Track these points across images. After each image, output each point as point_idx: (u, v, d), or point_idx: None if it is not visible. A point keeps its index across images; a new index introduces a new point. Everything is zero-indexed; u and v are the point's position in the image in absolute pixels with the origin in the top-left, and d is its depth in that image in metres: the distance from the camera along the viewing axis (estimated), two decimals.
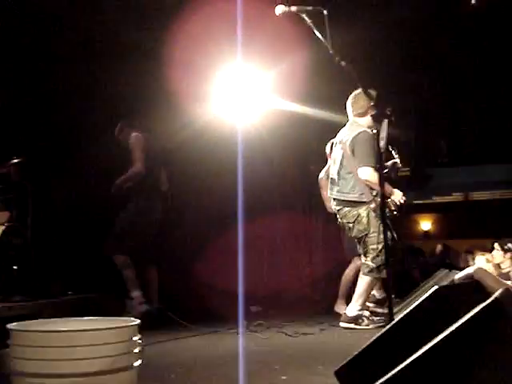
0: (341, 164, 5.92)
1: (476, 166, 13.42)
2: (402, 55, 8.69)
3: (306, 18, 3.90)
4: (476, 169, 13.53)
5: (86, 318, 2.76)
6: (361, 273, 5.85)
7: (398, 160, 6.35)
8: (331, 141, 7.12)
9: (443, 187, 13.70)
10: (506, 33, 8.53)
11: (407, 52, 8.61)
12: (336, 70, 3.83)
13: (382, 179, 4.13)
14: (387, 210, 5.73)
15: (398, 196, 5.82)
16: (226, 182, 7.16)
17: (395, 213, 5.83)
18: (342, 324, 5.85)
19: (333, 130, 7.06)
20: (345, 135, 5.96)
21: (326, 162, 7.32)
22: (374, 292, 6.16)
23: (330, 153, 6.88)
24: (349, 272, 6.81)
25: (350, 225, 5.85)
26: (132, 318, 2.54)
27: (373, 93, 4.47)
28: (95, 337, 2.27)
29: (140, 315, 5.35)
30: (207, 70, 6.74)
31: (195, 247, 8.00)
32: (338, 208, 5.96)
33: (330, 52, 3.84)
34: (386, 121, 5.85)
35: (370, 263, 5.70)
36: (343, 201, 5.88)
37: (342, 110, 6.30)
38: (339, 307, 6.71)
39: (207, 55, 6.64)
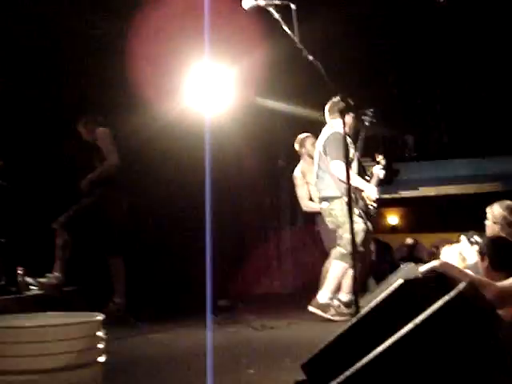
0: (318, 166, 6.32)
1: (442, 160, 13.55)
2: (368, 50, 8.72)
3: (274, 12, 3.89)
4: (442, 163, 13.66)
5: (49, 313, 2.71)
6: (333, 258, 6.08)
7: (382, 167, 6.59)
8: (299, 137, 7.18)
9: (410, 182, 13.81)
10: (472, 28, 8.61)
11: (373, 47, 8.65)
12: (303, 64, 3.83)
13: (348, 173, 4.27)
14: (361, 202, 6.20)
15: (372, 192, 6.25)
16: (194, 175, 7.12)
17: (372, 207, 6.29)
18: (310, 308, 5.98)
19: (301, 124, 7.07)
20: (320, 141, 6.35)
21: (294, 156, 7.35)
22: (339, 296, 6.22)
23: (300, 149, 7.04)
24: (328, 265, 6.85)
25: (328, 219, 6.22)
26: (96, 313, 2.50)
27: (350, 102, 4.58)
28: (58, 332, 2.22)
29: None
30: (174, 63, 6.68)
31: (163, 240, 7.96)
32: (320, 206, 6.38)
33: (298, 46, 3.84)
34: (364, 129, 6.53)
35: (342, 250, 5.93)
36: (322, 198, 6.29)
37: (311, 104, 6.39)
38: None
39: (173, 48, 6.58)
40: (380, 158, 6.77)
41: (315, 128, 6.63)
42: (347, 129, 5.84)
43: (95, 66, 6.77)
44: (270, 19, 3.89)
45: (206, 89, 6.79)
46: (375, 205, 6.35)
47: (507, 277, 2.31)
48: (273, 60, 7.00)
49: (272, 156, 9.78)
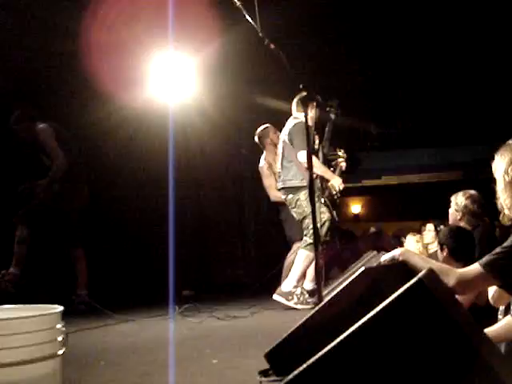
0: (283, 155, 6.31)
1: (405, 149, 13.68)
2: (330, 38, 8.73)
3: (236, 1, 3.86)
4: (405, 153, 13.79)
5: (6, 306, 2.66)
6: (299, 247, 6.13)
7: (343, 160, 6.62)
8: (259, 129, 7.17)
9: (373, 171, 13.92)
10: (434, 13, 8.67)
11: (336, 35, 8.66)
12: (266, 53, 3.81)
13: (311, 162, 4.22)
14: (327, 191, 6.23)
15: (337, 181, 6.25)
16: (158, 164, 7.08)
17: (336, 197, 6.28)
18: (274, 296, 6.02)
19: (264, 112, 7.05)
20: (284, 131, 6.37)
21: (257, 145, 7.34)
22: (304, 284, 6.26)
23: (262, 140, 7.05)
24: (291, 256, 6.88)
25: (294, 209, 6.22)
26: (55, 305, 2.46)
27: (317, 97, 4.63)
28: (15, 325, 2.17)
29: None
30: (136, 52, 6.58)
31: (127, 231, 7.91)
32: (284, 196, 6.34)
33: (260, 35, 3.82)
34: (330, 121, 6.50)
35: (308, 239, 5.96)
36: (287, 188, 6.25)
37: (273, 92, 6.39)
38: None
39: (136, 37, 6.48)
40: (341, 152, 6.81)
41: (277, 117, 6.63)
42: (311, 122, 5.98)
43: (49, 55, 6.60)
44: (233, 7, 3.85)
45: (169, 78, 6.75)
46: (339, 194, 6.39)
47: (465, 266, 2.33)
48: (235, 49, 6.97)
49: (235, 145, 9.76)
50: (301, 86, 3.98)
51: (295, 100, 6.32)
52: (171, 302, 5.42)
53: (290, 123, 6.31)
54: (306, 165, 5.82)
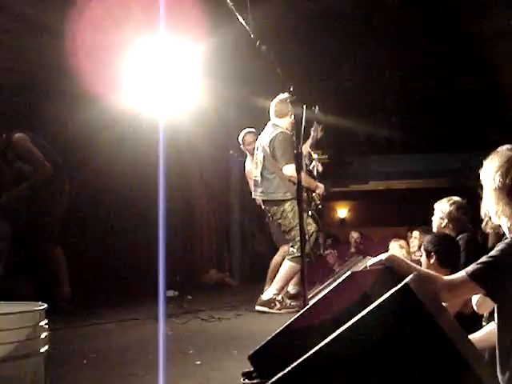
0: (263, 166, 6.18)
1: (393, 155, 13.73)
2: (320, 42, 8.74)
3: (228, 1, 3.85)
4: (393, 158, 13.84)
5: None
6: (286, 258, 6.09)
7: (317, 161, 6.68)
8: (244, 132, 7.16)
9: (360, 175, 13.95)
10: (426, 22, 8.71)
11: (327, 38, 8.68)
12: (257, 53, 3.80)
13: (300, 174, 4.26)
14: (313, 203, 6.23)
15: (321, 189, 6.29)
16: (147, 163, 7.03)
17: (320, 206, 6.31)
18: (256, 307, 5.99)
19: (252, 113, 7.02)
20: (264, 138, 6.21)
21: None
22: (288, 288, 6.27)
23: (245, 147, 7.05)
24: (277, 258, 6.89)
25: (279, 221, 6.16)
26: (39, 303, 2.44)
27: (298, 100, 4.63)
28: None
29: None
30: (124, 53, 6.54)
31: (113, 231, 7.87)
32: (267, 208, 6.29)
33: (251, 36, 3.82)
34: (315, 124, 6.69)
35: (295, 251, 5.92)
36: (270, 201, 6.18)
37: (263, 91, 6.38)
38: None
39: (124, 38, 6.43)
40: (315, 156, 6.87)
41: (266, 116, 6.60)
42: (290, 127, 5.99)
43: (31, 53, 6.53)
44: (223, 7, 3.84)
45: (158, 77, 6.72)
46: (322, 204, 6.42)
47: (452, 272, 2.34)
48: (226, 48, 6.96)
49: (223, 145, 9.76)
50: (285, 95, 3.97)
51: (274, 104, 6.19)
52: (161, 304, 5.40)
53: (269, 131, 6.18)
54: (291, 178, 5.86)
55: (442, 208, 4.67)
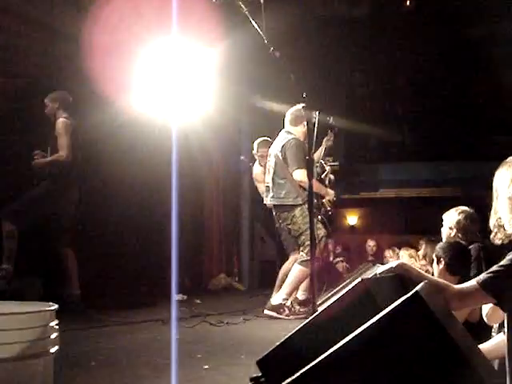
0: (274, 171, 6.24)
1: (404, 163, 13.69)
2: (333, 50, 8.77)
3: (243, 6, 3.87)
4: (404, 166, 13.79)
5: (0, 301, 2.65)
6: (296, 262, 6.11)
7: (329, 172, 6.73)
8: (259, 139, 7.20)
9: (371, 183, 13.91)
10: (437, 32, 8.71)
11: (339, 46, 8.70)
12: (270, 58, 3.81)
13: (311, 180, 4.32)
14: (323, 209, 6.29)
15: (331, 195, 6.37)
16: (160, 167, 7.06)
17: (330, 213, 6.37)
18: (265, 311, 6.00)
19: (264, 118, 7.01)
20: (277, 145, 6.28)
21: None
22: (298, 294, 6.26)
23: (257, 152, 7.09)
24: (287, 265, 6.88)
25: (289, 226, 6.19)
26: (49, 303, 2.44)
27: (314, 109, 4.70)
28: (9, 321, 2.16)
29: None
30: (136, 55, 6.56)
31: (123, 234, 7.88)
32: (277, 213, 6.32)
33: (265, 42, 3.83)
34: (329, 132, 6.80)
35: (304, 256, 5.94)
36: (281, 206, 6.22)
37: (275, 95, 6.39)
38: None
39: (137, 40, 6.46)
40: (327, 165, 6.92)
41: (278, 120, 6.61)
42: (303, 137, 6.03)
43: (47, 57, 6.58)
44: (236, 10, 3.86)
45: (171, 80, 6.74)
46: (332, 210, 6.44)
47: (461, 280, 2.33)
48: (239, 52, 6.97)
49: (235, 151, 9.77)
50: (303, 95, 3.98)
51: (290, 113, 6.27)
52: (173, 307, 5.42)
53: (282, 137, 6.25)
54: (301, 183, 5.90)
55: (451, 218, 4.65)
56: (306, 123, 5.83)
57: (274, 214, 6.41)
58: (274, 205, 6.32)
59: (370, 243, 11.17)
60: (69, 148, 5.96)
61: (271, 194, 6.28)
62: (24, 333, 2.18)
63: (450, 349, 1.65)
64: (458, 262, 3.91)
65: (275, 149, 6.26)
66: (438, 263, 3.95)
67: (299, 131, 6.16)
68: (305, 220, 5.93)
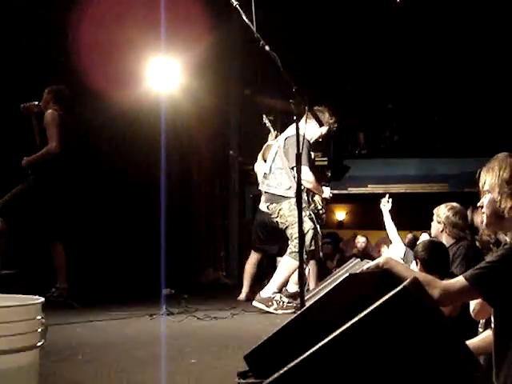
0: (273, 160, 6.27)
1: (392, 159, 13.73)
2: (322, 44, 8.76)
3: (233, 0, 3.85)
4: (392, 162, 13.83)
5: None
6: (285, 254, 6.14)
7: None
8: (266, 144, 7.24)
9: (359, 179, 13.94)
10: (426, 28, 8.73)
11: (329, 42, 8.70)
12: (259, 52, 3.80)
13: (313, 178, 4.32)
14: (313, 206, 6.31)
15: (326, 192, 6.39)
16: (149, 161, 7.05)
17: (321, 211, 6.41)
18: (254, 303, 6.02)
19: (254, 112, 6.99)
20: (283, 137, 6.32)
21: (244, 146, 7.38)
22: (288, 287, 6.28)
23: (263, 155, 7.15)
24: (250, 259, 6.99)
25: (276, 219, 6.24)
26: (36, 296, 2.43)
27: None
28: None
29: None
30: (126, 49, 6.55)
31: (113, 228, 7.87)
32: (267, 204, 6.38)
33: (255, 36, 3.82)
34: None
35: (292, 248, 5.98)
36: (271, 194, 6.24)
37: (264, 89, 6.38)
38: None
39: (126, 34, 6.44)
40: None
41: (267, 113, 6.60)
42: (311, 136, 6.15)
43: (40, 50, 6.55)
44: (225, 3, 3.84)
45: (160, 74, 6.72)
46: (324, 210, 6.42)
47: (439, 278, 2.35)
48: (229, 45, 6.96)
49: (223, 144, 9.76)
50: (293, 90, 3.97)
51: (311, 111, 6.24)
52: (162, 301, 5.43)
53: (290, 130, 6.19)
54: (305, 183, 5.89)
55: (440, 213, 4.72)
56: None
57: (264, 203, 6.44)
58: (265, 192, 6.35)
59: (360, 239, 11.18)
60: (58, 139, 5.94)
61: (267, 182, 6.31)
62: (10, 326, 2.16)
63: (437, 343, 1.66)
64: (434, 260, 3.96)
65: (281, 139, 6.30)
66: (416, 264, 4.03)
67: (309, 128, 6.02)
68: (291, 213, 5.97)
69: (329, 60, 9.79)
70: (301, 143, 5.90)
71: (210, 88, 7.59)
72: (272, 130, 7.22)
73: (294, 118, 4.20)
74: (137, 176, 7.96)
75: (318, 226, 6.22)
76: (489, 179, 2.36)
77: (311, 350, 1.74)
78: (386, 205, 6.77)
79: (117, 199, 7.91)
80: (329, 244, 10.27)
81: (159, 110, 6.36)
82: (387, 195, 6.69)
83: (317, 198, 6.37)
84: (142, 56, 6.65)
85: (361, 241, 11.18)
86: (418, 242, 7.10)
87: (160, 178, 5.94)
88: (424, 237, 7.10)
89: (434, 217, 4.80)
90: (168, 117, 6.34)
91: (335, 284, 2.19)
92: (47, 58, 6.72)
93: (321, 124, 6.20)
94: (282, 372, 1.76)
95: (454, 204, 4.77)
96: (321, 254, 9.21)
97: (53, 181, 6.04)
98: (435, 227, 4.78)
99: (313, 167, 6.39)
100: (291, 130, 6.22)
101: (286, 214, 6.08)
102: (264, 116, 7.24)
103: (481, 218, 2.45)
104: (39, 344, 2.33)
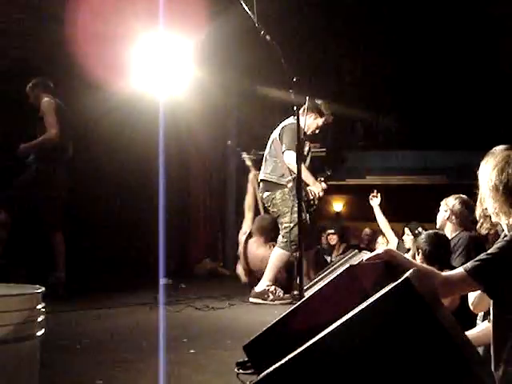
0: (270, 147, 6.31)
1: (391, 150, 13.74)
2: (322, 34, 8.73)
3: None
4: (390, 154, 13.85)
5: None
6: (276, 246, 6.16)
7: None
8: None
9: (357, 170, 13.95)
10: (427, 20, 8.71)
11: (328, 31, 8.67)
12: (259, 43, 3.79)
13: (300, 165, 4.51)
14: (305, 195, 6.05)
15: (318, 188, 6.22)
16: (147, 151, 7.03)
17: (312, 202, 6.23)
18: (250, 299, 6.01)
19: (252, 103, 6.98)
20: (279, 126, 6.33)
21: (243, 137, 7.37)
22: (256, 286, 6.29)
23: None
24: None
25: (269, 208, 6.29)
26: (36, 286, 2.42)
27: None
28: None
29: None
30: (125, 40, 6.51)
31: (111, 218, 7.87)
32: (261, 192, 6.40)
33: (256, 25, 3.81)
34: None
35: (281, 238, 6.04)
36: (266, 181, 6.25)
37: (264, 79, 6.36)
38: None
39: (124, 24, 6.41)
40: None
41: (268, 104, 6.59)
42: (307, 128, 6.09)
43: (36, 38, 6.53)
44: None
45: (159, 64, 6.70)
46: (316, 201, 6.34)
47: (439, 270, 2.35)
48: (228, 36, 6.92)
49: (222, 135, 9.73)
50: (293, 80, 3.97)
51: (312, 103, 6.21)
52: (161, 292, 5.44)
53: (288, 120, 6.26)
54: (290, 166, 5.90)
55: (448, 202, 4.76)
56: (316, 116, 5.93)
57: (259, 190, 6.50)
58: (260, 179, 6.36)
59: (367, 230, 11.06)
60: (56, 126, 5.94)
61: (262, 169, 6.36)
62: (10, 315, 2.16)
63: (438, 335, 1.66)
64: (436, 251, 3.98)
65: (277, 128, 6.33)
66: (417, 254, 4.05)
67: (306, 120, 6.07)
68: (284, 203, 6.03)
69: (328, 50, 9.76)
70: (294, 130, 5.94)
71: (210, 78, 7.56)
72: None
73: (294, 108, 4.18)
74: (135, 167, 7.95)
75: (308, 215, 6.08)
76: (485, 172, 2.37)
77: (310, 342, 1.74)
78: (373, 199, 6.79)
79: (114, 189, 7.90)
80: (334, 234, 10.22)
81: (157, 101, 6.34)
82: (375, 190, 6.70)
83: (308, 188, 6.27)
84: (140, 45, 6.62)
85: (367, 232, 11.10)
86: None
87: (158, 168, 5.92)
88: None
89: (441, 207, 4.83)
90: (166, 107, 6.32)
91: (335, 275, 2.19)
92: (45, 47, 6.69)
93: (321, 114, 6.24)
94: (281, 363, 1.76)
95: (464, 196, 4.80)
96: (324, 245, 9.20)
97: (53, 169, 6.04)
98: (441, 216, 4.81)
99: (307, 157, 6.36)
100: (289, 119, 6.25)
101: (278, 203, 6.12)
102: (244, 153, 7.36)
103: (479, 212, 2.46)
104: (39, 333, 2.34)
